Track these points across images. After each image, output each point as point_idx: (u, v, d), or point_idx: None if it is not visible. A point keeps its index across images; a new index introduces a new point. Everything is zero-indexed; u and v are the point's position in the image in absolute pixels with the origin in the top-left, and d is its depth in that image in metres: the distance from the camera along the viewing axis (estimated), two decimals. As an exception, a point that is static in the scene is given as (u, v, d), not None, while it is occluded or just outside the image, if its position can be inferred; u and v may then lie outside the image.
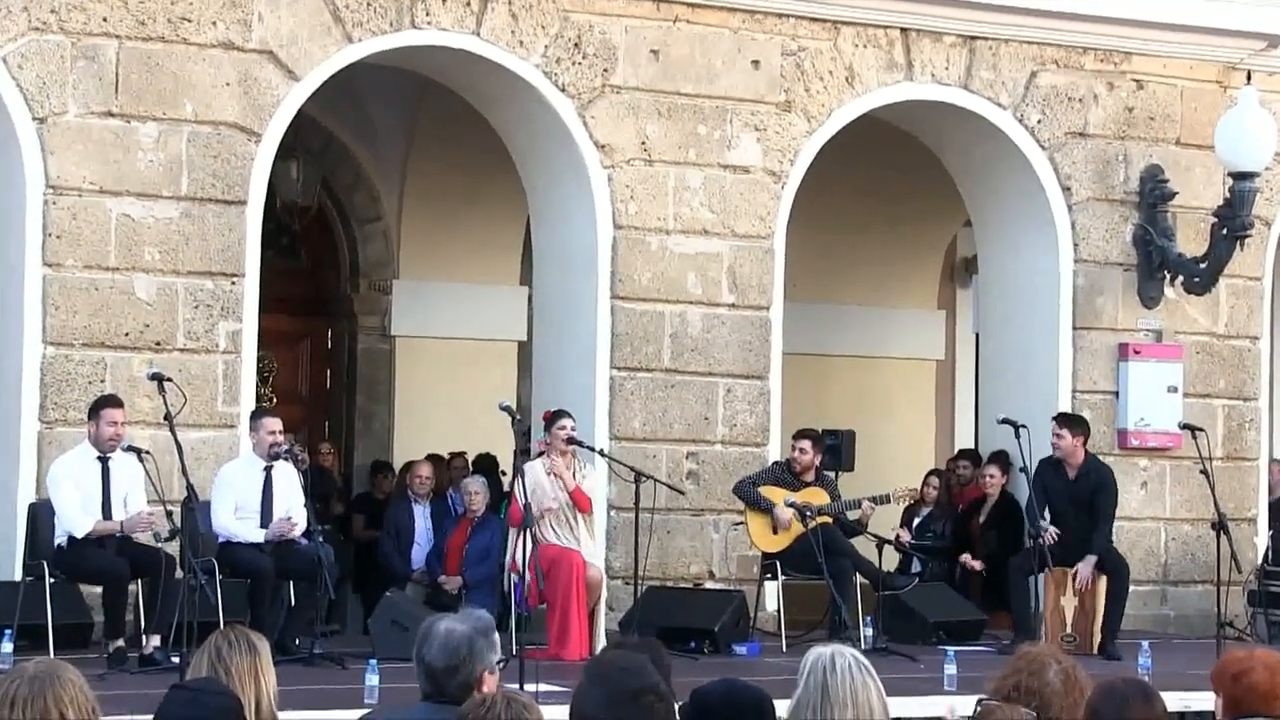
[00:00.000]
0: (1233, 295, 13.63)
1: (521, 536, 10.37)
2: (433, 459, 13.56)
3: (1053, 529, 11.48)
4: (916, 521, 13.29)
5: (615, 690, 3.52)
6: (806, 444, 11.82)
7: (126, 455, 9.77)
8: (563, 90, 11.89)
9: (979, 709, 4.53)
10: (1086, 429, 12.03)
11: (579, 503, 10.86)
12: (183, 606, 8.99)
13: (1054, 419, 12.01)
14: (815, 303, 14.94)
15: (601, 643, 10.55)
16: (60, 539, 9.90)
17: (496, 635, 4.58)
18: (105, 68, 10.82)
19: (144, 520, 9.69)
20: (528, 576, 10.37)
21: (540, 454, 11.02)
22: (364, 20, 11.40)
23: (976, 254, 14.33)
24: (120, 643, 9.68)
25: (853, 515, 11.85)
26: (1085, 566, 11.55)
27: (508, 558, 10.81)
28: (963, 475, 13.72)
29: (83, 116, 10.78)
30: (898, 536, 12.78)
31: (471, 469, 13.56)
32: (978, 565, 12.68)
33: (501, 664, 4.57)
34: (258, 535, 10.21)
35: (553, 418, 11.01)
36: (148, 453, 9.69)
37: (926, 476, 13.64)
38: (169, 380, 9.92)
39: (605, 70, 11.99)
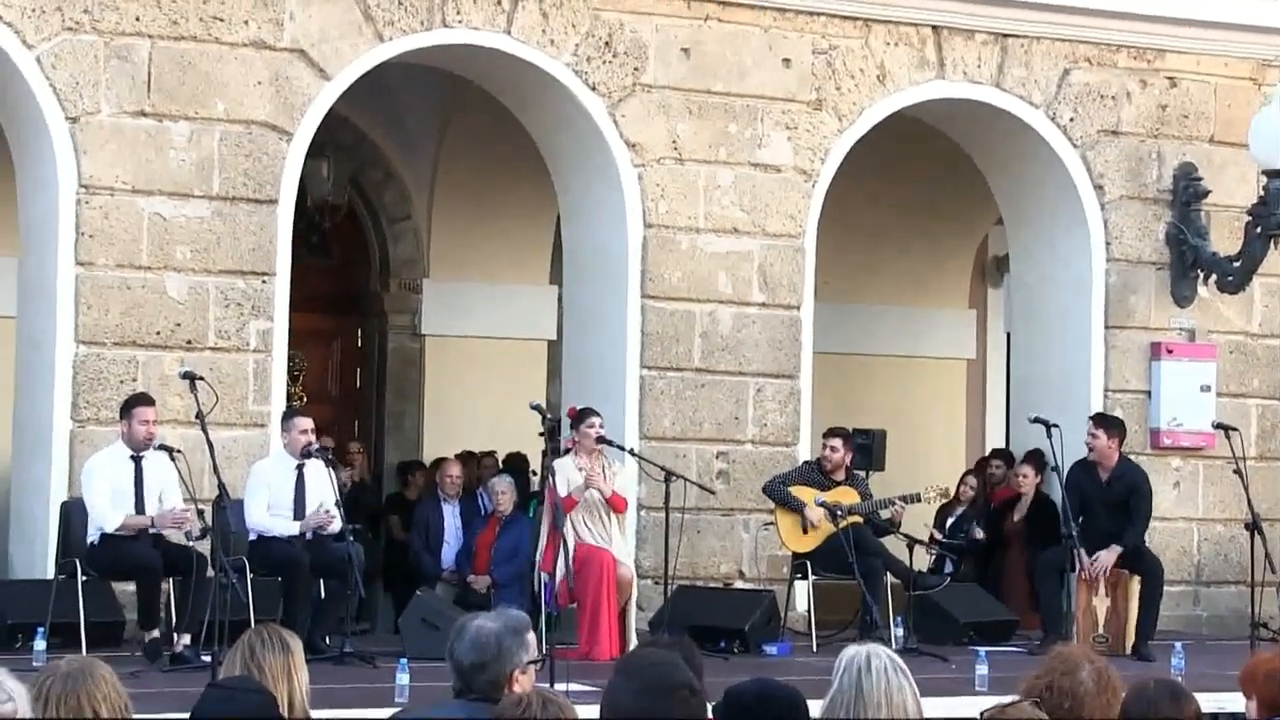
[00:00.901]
0: (1267, 294, 13.56)
1: (552, 536, 10.37)
2: (465, 457, 13.55)
3: (1090, 562, 11.40)
4: (950, 521, 13.24)
5: (649, 684, 3.51)
6: (837, 442, 11.79)
7: (159, 454, 9.80)
8: (593, 89, 11.88)
9: (985, 716, 4.49)
10: (1123, 431, 11.96)
11: (615, 505, 10.86)
12: (214, 605, 9.01)
13: (1090, 419, 11.96)
14: (846, 302, 14.90)
15: (632, 642, 10.54)
16: (93, 537, 9.93)
17: (530, 635, 4.58)
18: (138, 67, 10.85)
19: (175, 515, 9.71)
20: (559, 575, 10.36)
21: (568, 451, 11.01)
22: (395, 19, 11.41)
23: (1008, 253, 14.28)
24: (155, 634, 9.71)
25: (884, 514, 11.82)
26: (1109, 554, 11.45)
27: (538, 556, 10.80)
28: (995, 475, 13.67)
29: (115, 116, 10.82)
30: (931, 537, 12.75)
31: (502, 468, 13.56)
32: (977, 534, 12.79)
33: (537, 664, 4.56)
34: (292, 528, 10.23)
35: (579, 416, 10.98)
36: (179, 451, 9.72)
37: (963, 476, 13.60)
38: (200, 379, 9.95)
39: (636, 69, 11.98)
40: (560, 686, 8.23)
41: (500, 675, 4.48)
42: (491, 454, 13.89)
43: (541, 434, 12.89)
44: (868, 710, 4.25)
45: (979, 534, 12.91)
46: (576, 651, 10.23)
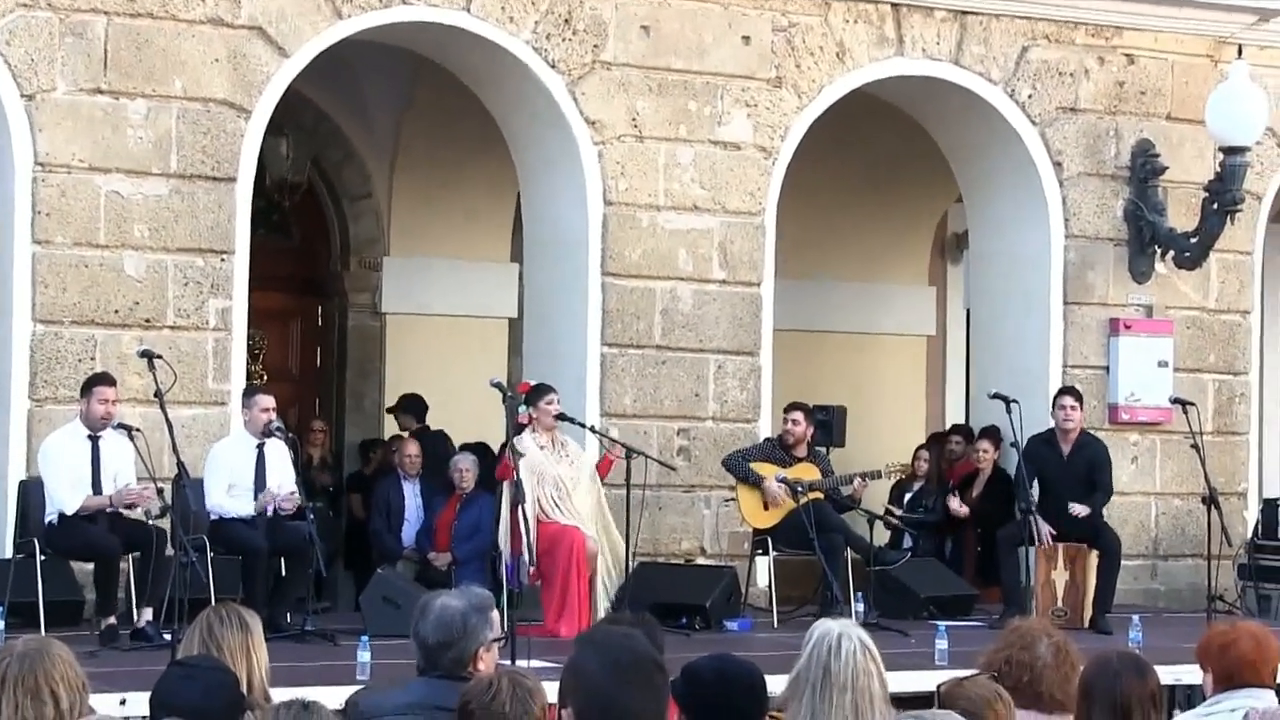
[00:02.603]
0: (1223, 270, 13.65)
1: (515, 514, 10.34)
2: (420, 433, 13.50)
3: (1049, 530, 11.49)
4: (908, 497, 13.30)
5: (613, 659, 3.51)
6: (799, 415, 11.83)
7: (117, 433, 9.76)
8: (553, 66, 11.86)
9: (942, 689, 4.52)
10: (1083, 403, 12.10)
11: (604, 464, 10.90)
12: (174, 583, 8.99)
13: (1065, 392, 12.06)
14: (806, 279, 14.92)
15: (601, 616, 10.57)
16: (51, 516, 9.89)
17: (495, 613, 4.59)
18: (94, 44, 10.78)
19: (133, 494, 9.68)
20: (525, 556, 10.35)
21: (523, 427, 10.97)
22: (353, -4, 11.36)
23: (967, 230, 14.33)
24: (112, 619, 9.69)
25: (845, 490, 11.86)
26: (1081, 507, 11.59)
27: (501, 536, 10.78)
28: (954, 450, 13.72)
29: (71, 93, 10.75)
30: (888, 511, 12.79)
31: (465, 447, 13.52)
32: (964, 510, 12.65)
33: (500, 642, 4.57)
34: (251, 509, 10.21)
35: (535, 392, 10.93)
36: (138, 430, 9.69)
37: (916, 451, 13.65)
38: (159, 358, 9.91)
39: (596, 46, 11.96)
40: (522, 663, 8.26)
41: (466, 654, 4.48)
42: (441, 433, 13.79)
43: (505, 400, 12.76)
44: (833, 693, 4.26)
45: (958, 505, 12.77)
46: (543, 628, 10.24)
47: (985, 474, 13.02)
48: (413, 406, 13.58)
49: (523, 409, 10.96)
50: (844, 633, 4.34)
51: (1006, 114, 13.04)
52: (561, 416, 10.89)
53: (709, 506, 12.27)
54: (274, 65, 11.18)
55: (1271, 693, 5.02)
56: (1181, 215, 13.27)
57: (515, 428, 10.75)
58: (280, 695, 4.55)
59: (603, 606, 10.74)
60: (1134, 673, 4.63)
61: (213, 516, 10.18)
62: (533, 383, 11.12)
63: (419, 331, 14.68)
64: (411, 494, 12.94)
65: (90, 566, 10.02)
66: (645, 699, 3.48)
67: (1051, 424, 12.01)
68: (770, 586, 11.82)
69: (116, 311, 10.82)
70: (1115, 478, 12.42)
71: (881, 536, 12.59)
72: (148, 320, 10.88)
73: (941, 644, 9.51)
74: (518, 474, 10.28)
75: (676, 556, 12.11)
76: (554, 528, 10.63)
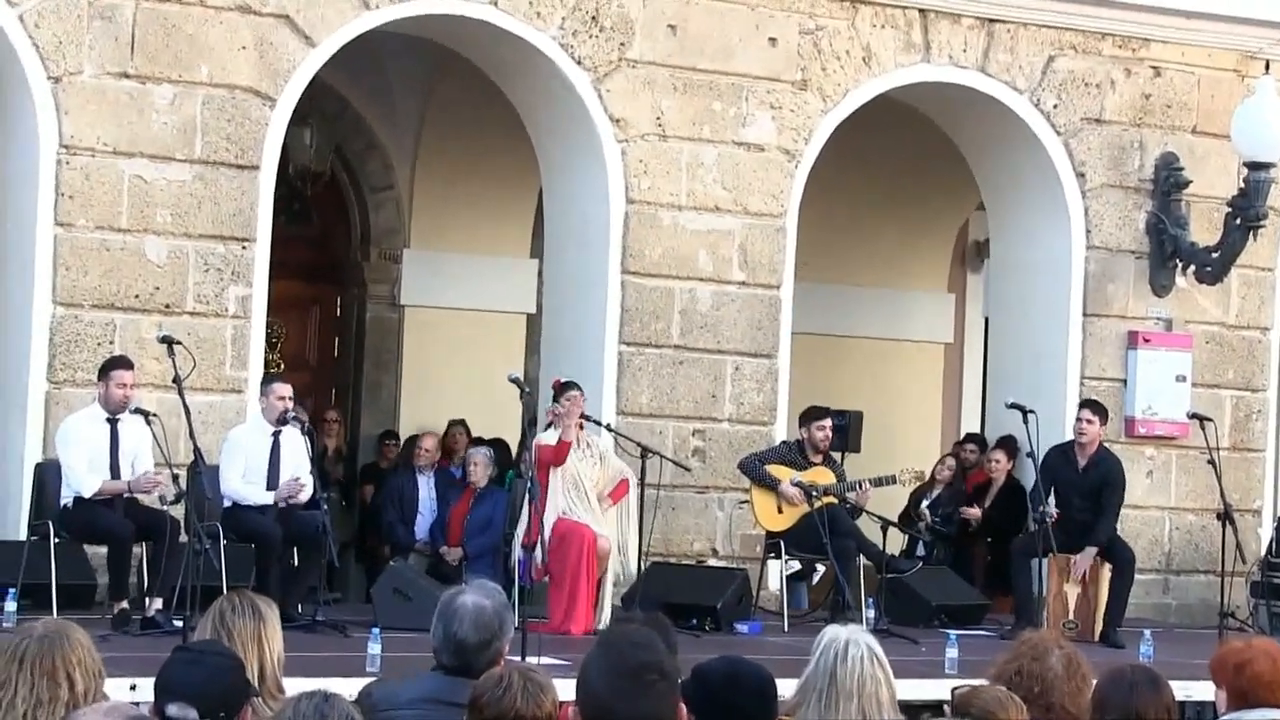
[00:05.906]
0: (1244, 285, 13.60)
1: (531, 509, 10.34)
2: (455, 425, 13.52)
3: (1054, 508, 11.45)
4: (925, 504, 13.26)
5: (614, 665, 3.51)
6: (828, 422, 11.81)
7: (134, 417, 9.77)
8: (579, 63, 11.86)
9: (956, 696, 4.52)
10: (1107, 417, 12.04)
11: (618, 491, 10.85)
12: (187, 570, 9.00)
13: (1083, 405, 12.01)
14: (825, 283, 14.90)
15: (607, 616, 10.56)
16: (66, 499, 9.91)
17: None
18: (122, 28, 10.79)
19: (151, 480, 9.69)
20: (537, 553, 10.33)
21: (549, 425, 10.98)
22: (381, -12, 11.36)
23: (989, 238, 14.31)
24: (124, 604, 9.70)
25: (850, 497, 11.77)
26: (1084, 559, 11.56)
27: (519, 530, 10.77)
28: (968, 459, 13.68)
29: (98, 77, 10.76)
30: (916, 517, 12.76)
31: (481, 439, 13.51)
32: (975, 512, 12.65)
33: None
34: (266, 497, 10.22)
35: (562, 388, 10.95)
36: (155, 415, 9.70)
37: (943, 457, 13.60)
38: (178, 343, 9.92)
39: (622, 44, 11.95)
40: (532, 659, 8.26)
41: (499, 651, 4.50)
42: (461, 422, 13.79)
43: (521, 396, 12.84)
44: (839, 699, 4.25)
45: (974, 513, 12.79)
46: (550, 625, 10.24)
47: (998, 484, 12.99)
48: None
49: (551, 404, 10.96)
50: (851, 639, 4.34)
51: (1031, 123, 13.01)
52: (582, 415, 10.86)
53: (722, 508, 12.26)
54: (300, 54, 11.19)
55: (1285, 713, 5.00)
56: (1204, 229, 13.23)
57: (531, 422, 10.75)
58: (291, 685, 4.55)
59: (609, 606, 10.73)
60: (1149, 686, 4.62)
61: (227, 502, 10.20)
62: (563, 380, 11.12)
63: (437, 324, 14.69)
64: (425, 487, 12.95)
65: (104, 550, 10.03)
66: (639, 706, 3.48)
67: (1071, 435, 11.97)
68: (781, 590, 11.79)
69: (137, 296, 10.84)
70: (1130, 491, 12.38)
71: (896, 544, 12.56)
72: (167, 306, 10.89)
73: (952, 652, 9.49)
74: (533, 470, 10.29)
75: (688, 557, 12.10)
76: (566, 524, 10.62)
